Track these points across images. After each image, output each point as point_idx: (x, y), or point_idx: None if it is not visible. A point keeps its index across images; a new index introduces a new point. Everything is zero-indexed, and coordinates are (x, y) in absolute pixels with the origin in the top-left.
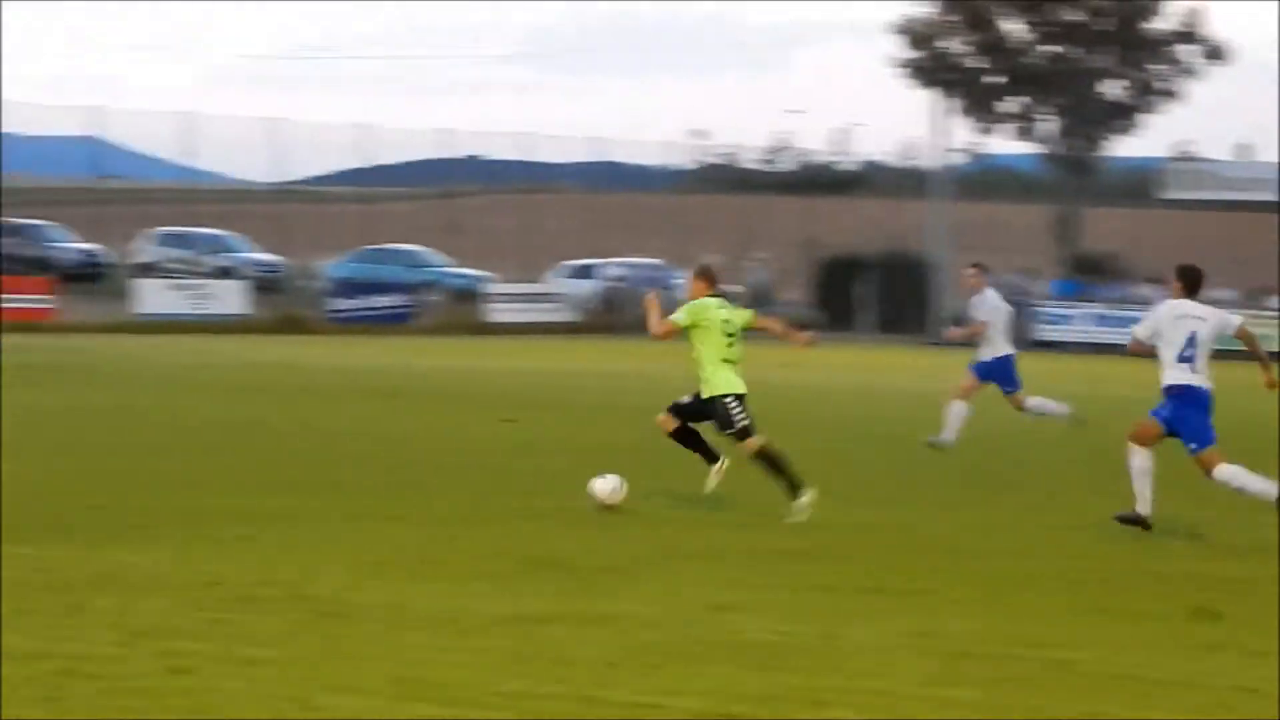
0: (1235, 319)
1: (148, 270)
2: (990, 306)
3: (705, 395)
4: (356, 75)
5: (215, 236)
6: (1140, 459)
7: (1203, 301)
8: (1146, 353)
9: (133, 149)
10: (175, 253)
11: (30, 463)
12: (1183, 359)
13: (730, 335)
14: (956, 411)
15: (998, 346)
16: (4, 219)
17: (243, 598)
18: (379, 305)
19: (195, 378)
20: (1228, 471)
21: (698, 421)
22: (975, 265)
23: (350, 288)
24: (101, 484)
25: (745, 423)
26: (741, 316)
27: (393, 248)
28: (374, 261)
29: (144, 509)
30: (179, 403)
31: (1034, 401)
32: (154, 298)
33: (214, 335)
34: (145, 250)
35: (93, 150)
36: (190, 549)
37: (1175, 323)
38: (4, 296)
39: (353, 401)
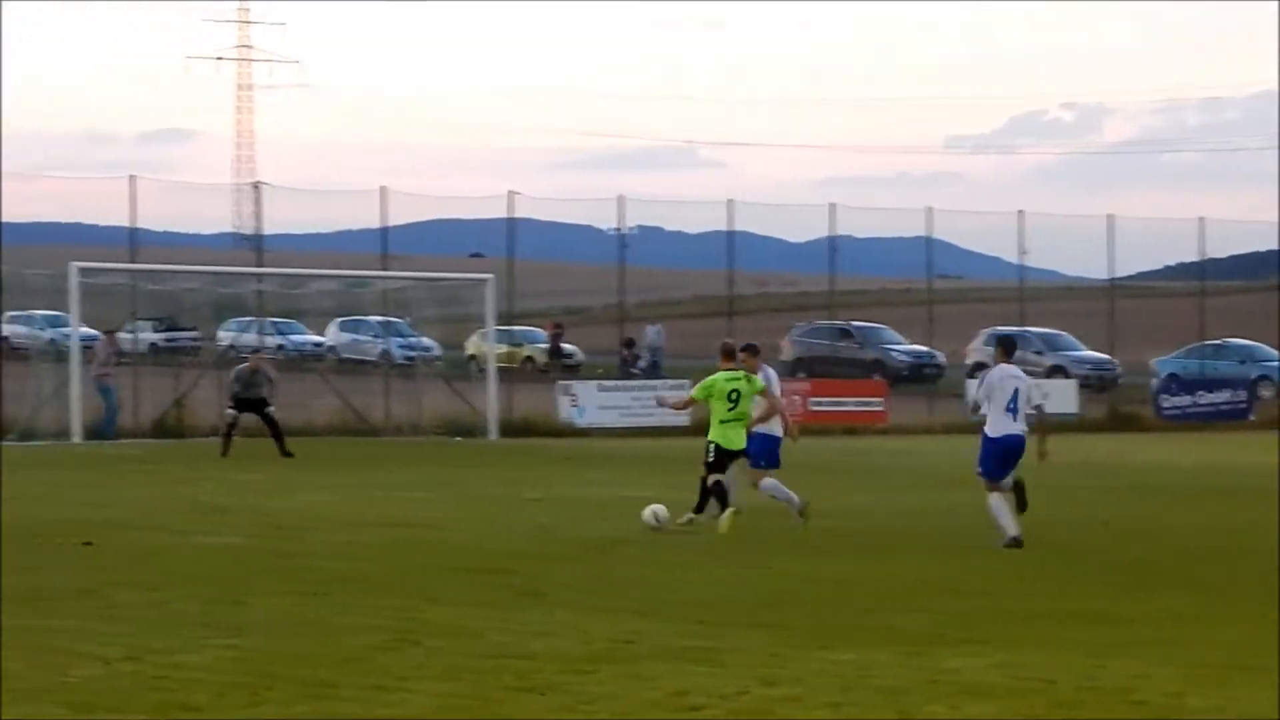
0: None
1: (980, 370)
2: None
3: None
4: (1185, 167)
5: (1048, 335)
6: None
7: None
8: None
9: (965, 248)
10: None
11: (846, 562)
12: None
13: (733, 400)
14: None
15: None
16: (842, 322)
17: (1067, 702)
18: (1211, 402)
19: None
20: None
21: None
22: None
23: (1182, 384)
24: (914, 588)
25: (708, 461)
26: (751, 386)
27: (1226, 342)
28: (1207, 357)
29: (967, 612)
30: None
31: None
32: None
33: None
34: (978, 350)
35: (925, 250)
36: (1017, 653)
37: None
38: (840, 400)
39: (1187, 498)
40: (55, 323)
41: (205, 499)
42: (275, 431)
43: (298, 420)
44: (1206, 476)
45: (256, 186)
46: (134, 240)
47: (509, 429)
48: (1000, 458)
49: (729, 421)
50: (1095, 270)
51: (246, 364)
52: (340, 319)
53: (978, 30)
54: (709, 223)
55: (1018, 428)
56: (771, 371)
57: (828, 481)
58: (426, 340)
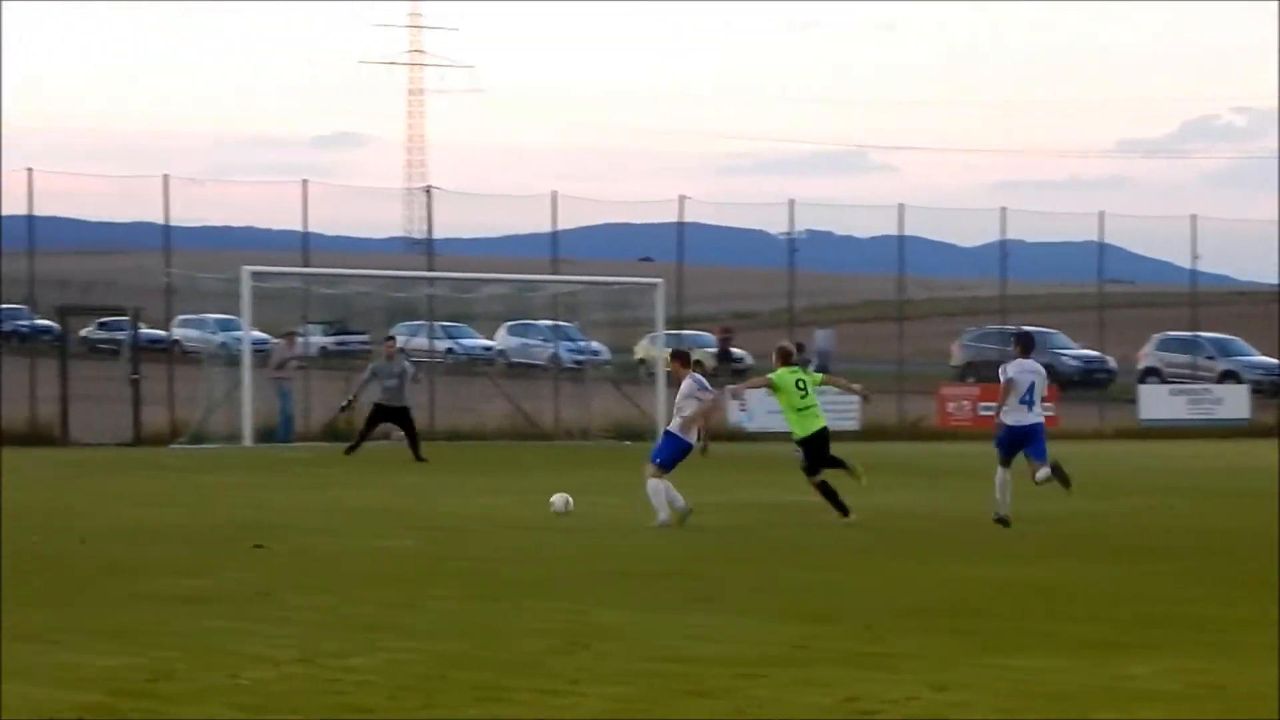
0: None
1: (1152, 375)
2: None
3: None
4: None
5: (1220, 340)
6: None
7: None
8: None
9: (1136, 252)
10: (1178, 357)
11: (1015, 567)
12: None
13: (801, 388)
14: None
15: None
16: (1013, 326)
17: (1240, 709)
18: None
19: (1191, 484)
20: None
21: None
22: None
23: None
24: (1088, 594)
25: (804, 467)
26: (811, 377)
27: None
28: None
29: (1139, 618)
30: (1188, 506)
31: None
32: (1157, 403)
33: (1216, 440)
34: (1150, 355)
35: (1097, 255)
36: (1194, 659)
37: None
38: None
39: None
40: (227, 326)
41: (377, 502)
42: (412, 438)
43: (468, 424)
44: None
45: (428, 191)
46: (306, 244)
47: None
48: (1013, 443)
49: (803, 410)
50: (1267, 275)
51: (383, 355)
52: (510, 323)
53: (1150, 33)
54: (879, 227)
55: (1032, 417)
56: (699, 376)
57: None
58: (595, 344)
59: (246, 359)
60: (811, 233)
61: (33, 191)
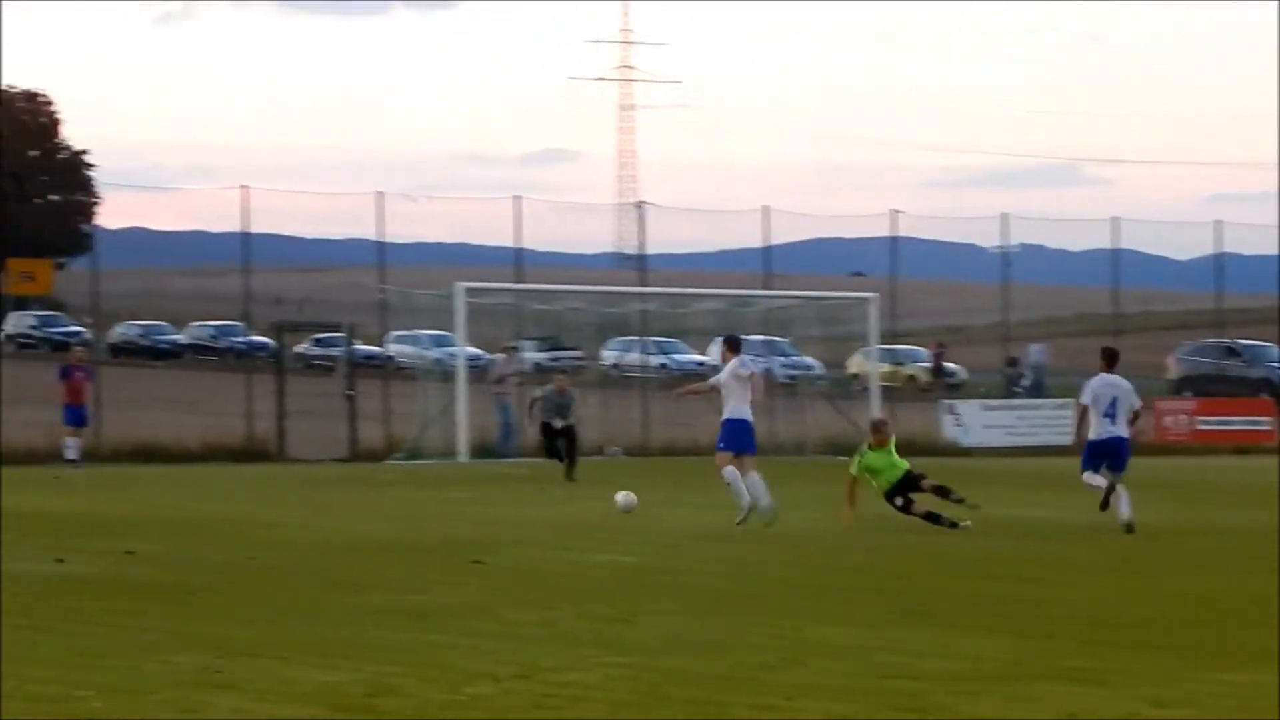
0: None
1: None
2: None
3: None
4: None
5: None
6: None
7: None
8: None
9: None
10: None
11: (1236, 580)
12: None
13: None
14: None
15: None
16: (1229, 340)
17: None
18: None
19: None
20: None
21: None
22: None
23: None
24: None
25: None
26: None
27: None
28: None
29: None
30: None
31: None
32: None
33: None
34: None
35: None
36: None
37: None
38: (1227, 419)
39: None
40: (441, 342)
41: (592, 517)
42: (571, 455)
43: (682, 439)
44: None
45: (639, 206)
46: (519, 260)
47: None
48: (1097, 455)
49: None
50: None
51: (552, 385)
52: (722, 338)
53: None
54: (1092, 240)
55: (1116, 430)
56: (744, 358)
57: (1217, 500)
58: (808, 359)
59: (461, 374)
60: (1024, 246)
61: (248, 209)
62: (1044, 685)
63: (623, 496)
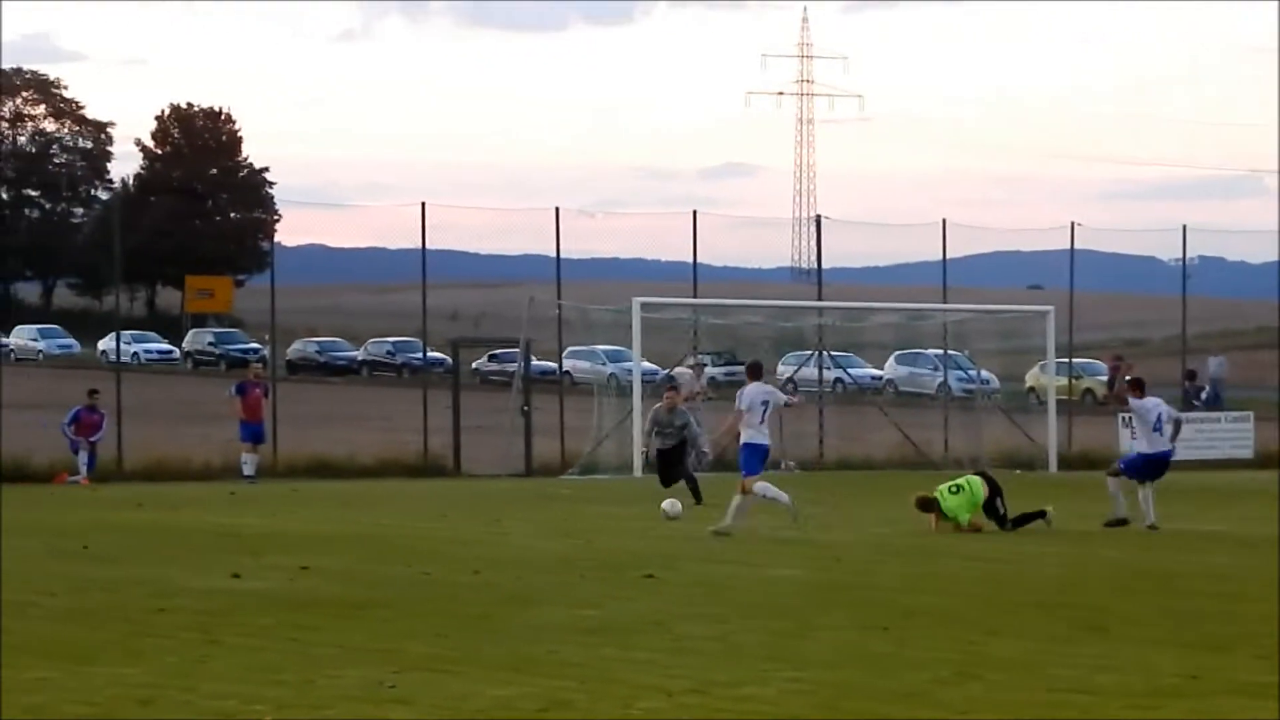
0: None
1: None
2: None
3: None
4: None
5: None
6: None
7: None
8: None
9: None
10: None
11: None
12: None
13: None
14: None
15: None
16: None
17: None
18: None
19: None
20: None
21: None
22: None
23: None
24: None
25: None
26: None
27: None
28: None
29: None
30: None
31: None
32: None
33: None
34: None
35: None
36: None
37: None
38: None
39: None
40: (616, 358)
41: (765, 531)
42: (689, 476)
43: (857, 453)
44: None
45: (817, 220)
46: (696, 275)
47: (1068, 462)
48: (1145, 469)
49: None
50: None
51: (662, 404)
52: (898, 352)
53: None
54: (1272, 252)
55: (1163, 445)
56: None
57: None
58: (985, 373)
59: (637, 389)
60: (1203, 258)
61: (425, 224)
62: (1222, 700)
63: (669, 504)
